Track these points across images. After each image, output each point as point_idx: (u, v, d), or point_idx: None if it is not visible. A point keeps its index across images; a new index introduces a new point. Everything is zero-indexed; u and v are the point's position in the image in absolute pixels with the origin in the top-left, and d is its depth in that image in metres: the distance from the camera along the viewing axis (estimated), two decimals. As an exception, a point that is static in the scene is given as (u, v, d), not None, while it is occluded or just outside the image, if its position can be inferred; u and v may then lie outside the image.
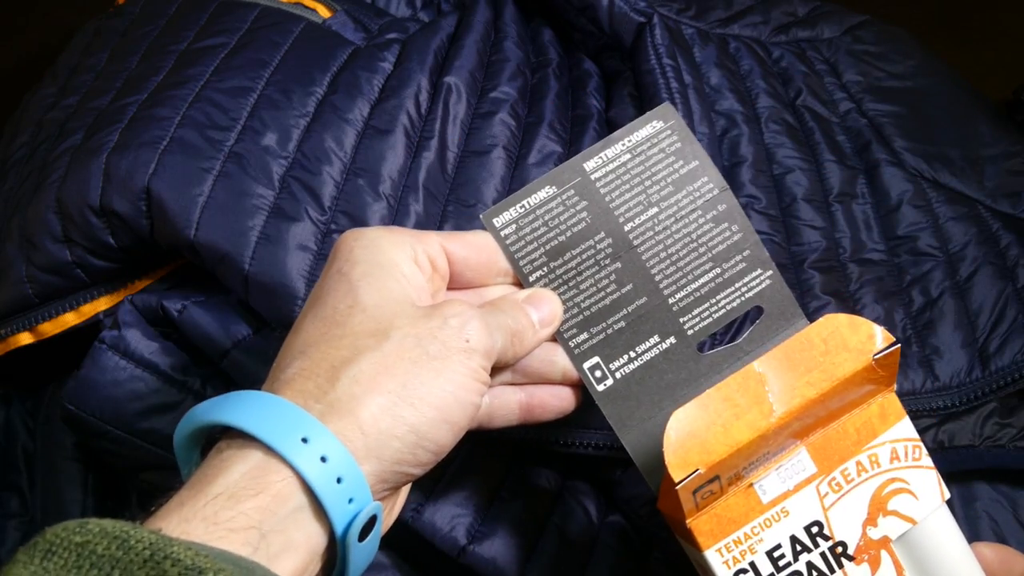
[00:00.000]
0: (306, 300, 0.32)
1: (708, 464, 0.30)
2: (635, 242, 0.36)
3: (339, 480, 0.27)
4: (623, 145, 0.36)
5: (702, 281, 0.36)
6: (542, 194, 0.36)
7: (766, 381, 0.31)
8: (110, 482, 0.46)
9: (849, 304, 0.48)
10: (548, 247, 0.35)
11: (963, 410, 0.44)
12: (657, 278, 0.36)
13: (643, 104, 0.49)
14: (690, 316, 0.35)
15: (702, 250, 0.36)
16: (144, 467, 0.42)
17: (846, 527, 0.31)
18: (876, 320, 0.47)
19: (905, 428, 0.33)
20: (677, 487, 0.29)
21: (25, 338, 0.44)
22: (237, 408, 0.28)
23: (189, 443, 0.29)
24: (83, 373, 0.41)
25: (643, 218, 0.36)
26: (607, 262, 0.35)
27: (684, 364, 0.35)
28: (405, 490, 0.33)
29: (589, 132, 0.49)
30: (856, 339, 0.32)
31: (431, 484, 0.41)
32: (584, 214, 0.36)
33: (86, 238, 0.42)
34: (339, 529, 0.27)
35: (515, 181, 0.46)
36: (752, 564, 0.31)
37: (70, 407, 0.41)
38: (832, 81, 0.58)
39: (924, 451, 0.33)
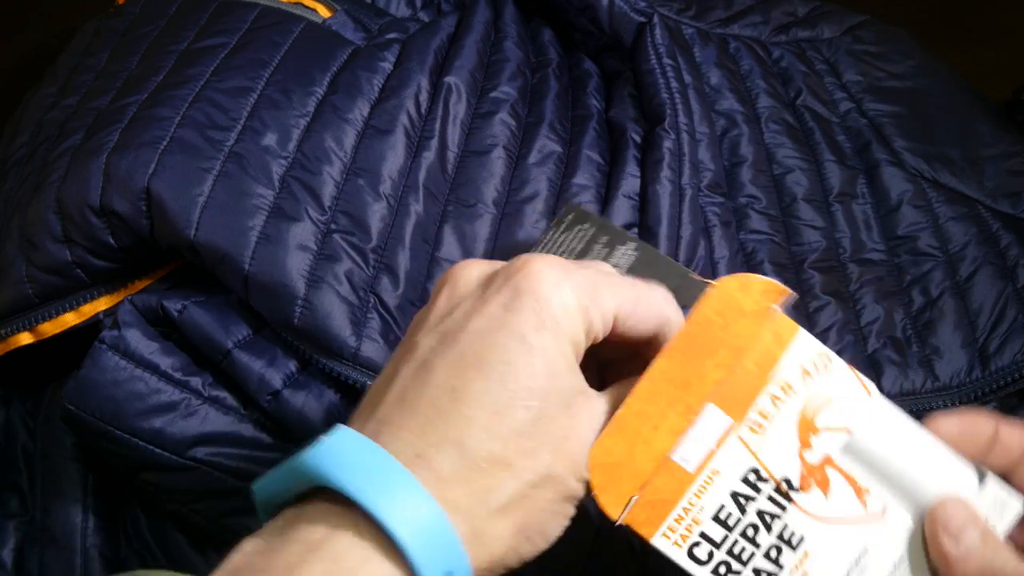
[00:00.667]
0: (412, 321, 0.30)
1: (640, 485, 0.29)
2: None
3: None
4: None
5: None
6: None
7: (672, 378, 0.30)
8: (110, 482, 0.46)
9: (849, 304, 0.48)
10: None
11: (963, 410, 0.44)
12: None
13: (643, 104, 0.49)
14: None
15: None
16: (144, 467, 0.42)
17: (783, 462, 0.30)
18: (876, 320, 0.47)
19: (805, 343, 0.31)
20: (620, 523, 0.29)
21: (25, 338, 0.44)
22: (383, 496, 0.25)
23: (281, 501, 0.27)
24: (83, 373, 0.41)
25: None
26: None
27: None
28: None
29: (589, 132, 0.49)
30: (751, 300, 0.31)
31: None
32: None
33: (86, 238, 0.42)
34: None
35: (515, 181, 0.46)
36: (702, 534, 0.30)
37: (70, 407, 0.41)
38: (832, 81, 0.58)
39: (832, 356, 0.31)
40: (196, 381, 0.42)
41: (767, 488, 0.30)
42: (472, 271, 0.30)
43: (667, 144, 0.46)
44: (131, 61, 0.49)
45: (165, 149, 0.42)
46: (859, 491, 0.30)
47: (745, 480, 0.30)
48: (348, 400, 0.42)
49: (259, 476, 0.28)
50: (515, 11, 0.56)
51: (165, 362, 0.42)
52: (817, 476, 0.30)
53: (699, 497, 0.30)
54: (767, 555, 0.30)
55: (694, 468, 0.30)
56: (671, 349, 0.30)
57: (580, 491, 0.29)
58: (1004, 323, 0.46)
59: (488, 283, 0.29)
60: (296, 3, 0.52)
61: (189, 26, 0.49)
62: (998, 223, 0.51)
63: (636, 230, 0.45)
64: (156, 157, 0.42)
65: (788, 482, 0.30)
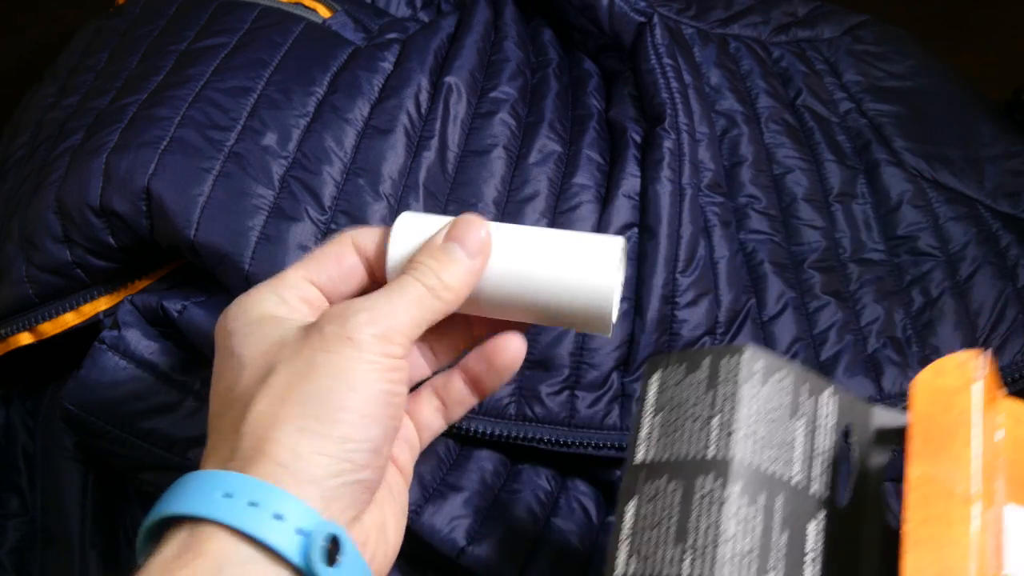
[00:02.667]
0: None
1: None
2: None
3: (278, 516, 0.26)
4: None
5: None
6: None
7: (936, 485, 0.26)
8: (110, 482, 0.46)
9: (849, 304, 0.48)
10: None
11: (963, 410, 0.44)
12: None
13: (643, 104, 0.49)
14: None
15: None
16: (144, 467, 0.42)
17: None
18: (876, 320, 0.47)
19: None
20: None
21: (25, 338, 0.44)
22: (164, 500, 0.27)
23: (144, 544, 0.28)
24: (83, 373, 0.41)
25: None
26: None
27: None
28: (399, 497, 0.32)
29: (589, 132, 0.49)
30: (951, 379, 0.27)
31: (430, 485, 0.41)
32: None
33: (86, 238, 0.42)
34: (297, 561, 0.26)
35: (515, 180, 0.46)
36: None
37: (70, 407, 0.41)
38: (832, 81, 0.58)
39: None
40: (196, 381, 0.42)
41: None
42: None
43: (667, 144, 0.46)
44: (131, 61, 0.49)
45: (165, 149, 0.42)
46: None
47: None
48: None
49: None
50: (515, 11, 0.56)
51: (165, 362, 0.42)
52: None
53: None
54: None
55: None
56: (915, 454, 0.27)
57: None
58: (1004, 323, 0.46)
59: None
60: (296, 3, 0.52)
61: (189, 26, 0.50)
62: (998, 223, 0.51)
63: (636, 229, 0.45)
64: (156, 157, 0.42)
65: None
